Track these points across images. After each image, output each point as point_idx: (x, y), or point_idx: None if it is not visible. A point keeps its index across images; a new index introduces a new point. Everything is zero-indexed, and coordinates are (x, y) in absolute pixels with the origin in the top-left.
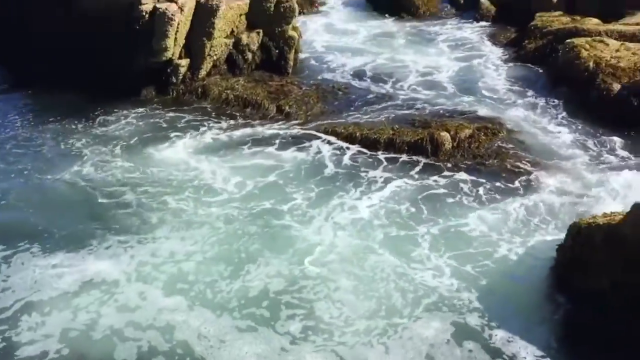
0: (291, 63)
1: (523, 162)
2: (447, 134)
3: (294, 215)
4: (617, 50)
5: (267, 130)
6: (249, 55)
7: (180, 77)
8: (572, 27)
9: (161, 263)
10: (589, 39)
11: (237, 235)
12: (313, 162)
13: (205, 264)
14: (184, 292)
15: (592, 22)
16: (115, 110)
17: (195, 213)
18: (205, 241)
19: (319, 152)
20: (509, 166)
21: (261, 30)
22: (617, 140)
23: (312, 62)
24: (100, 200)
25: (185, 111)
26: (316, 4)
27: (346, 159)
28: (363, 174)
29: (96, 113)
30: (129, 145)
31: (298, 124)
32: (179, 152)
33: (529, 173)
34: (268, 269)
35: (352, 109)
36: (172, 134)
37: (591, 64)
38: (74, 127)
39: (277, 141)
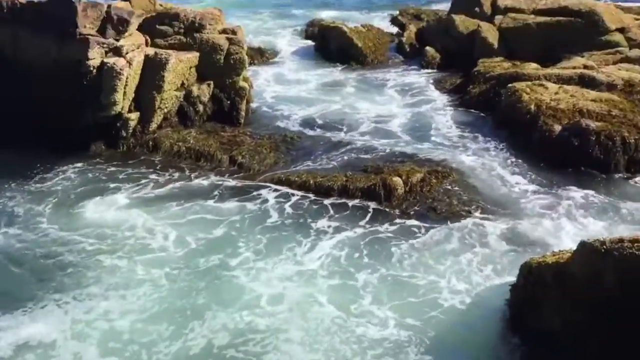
0: (243, 113)
1: (471, 205)
2: (399, 179)
3: (242, 268)
4: (556, 93)
5: (217, 181)
6: (200, 107)
7: (130, 131)
8: (513, 72)
9: (97, 322)
10: (529, 82)
11: (183, 291)
12: (264, 213)
13: (145, 322)
14: (119, 352)
15: (532, 67)
16: (56, 166)
17: (134, 270)
18: (147, 298)
19: (271, 202)
20: (457, 210)
21: (212, 82)
22: (561, 180)
23: (264, 111)
24: (34, 260)
25: (130, 165)
26: (266, 55)
27: (298, 208)
28: (314, 223)
29: (35, 170)
30: (65, 202)
31: (251, 174)
32: (116, 208)
33: (477, 217)
34: (214, 323)
35: (305, 157)
36: (112, 190)
37: (532, 106)
38: (6, 185)
39: (228, 192)
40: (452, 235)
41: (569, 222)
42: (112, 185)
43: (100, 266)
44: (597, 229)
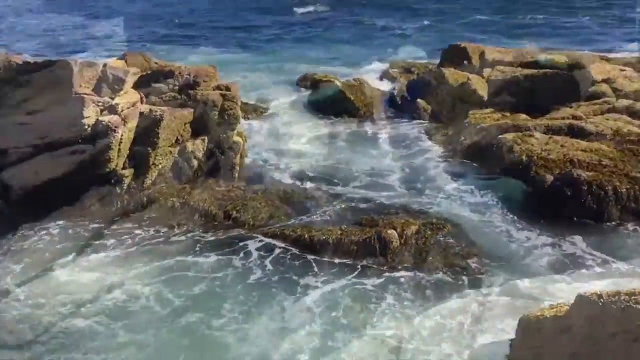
0: (237, 168)
1: (466, 259)
2: (394, 232)
3: (225, 326)
4: (547, 143)
5: (207, 237)
6: (195, 162)
7: (125, 187)
8: (503, 123)
9: None
10: (519, 133)
11: (166, 351)
12: (253, 268)
13: None
14: None
15: (521, 118)
16: (37, 224)
17: (114, 335)
18: None
19: (262, 256)
20: (452, 263)
21: (206, 137)
22: (556, 230)
23: (258, 165)
24: (8, 323)
25: (116, 222)
26: (260, 109)
27: (289, 263)
28: (304, 279)
29: (18, 229)
30: (42, 263)
31: (245, 229)
32: (98, 266)
33: (471, 270)
34: None
35: (299, 211)
36: (95, 247)
37: (524, 157)
38: None
39: (213, 247)
40: (445, 291)
41: (565, 274)
42: (96, 243)
43: (77, 328)
44: (593, 280)
